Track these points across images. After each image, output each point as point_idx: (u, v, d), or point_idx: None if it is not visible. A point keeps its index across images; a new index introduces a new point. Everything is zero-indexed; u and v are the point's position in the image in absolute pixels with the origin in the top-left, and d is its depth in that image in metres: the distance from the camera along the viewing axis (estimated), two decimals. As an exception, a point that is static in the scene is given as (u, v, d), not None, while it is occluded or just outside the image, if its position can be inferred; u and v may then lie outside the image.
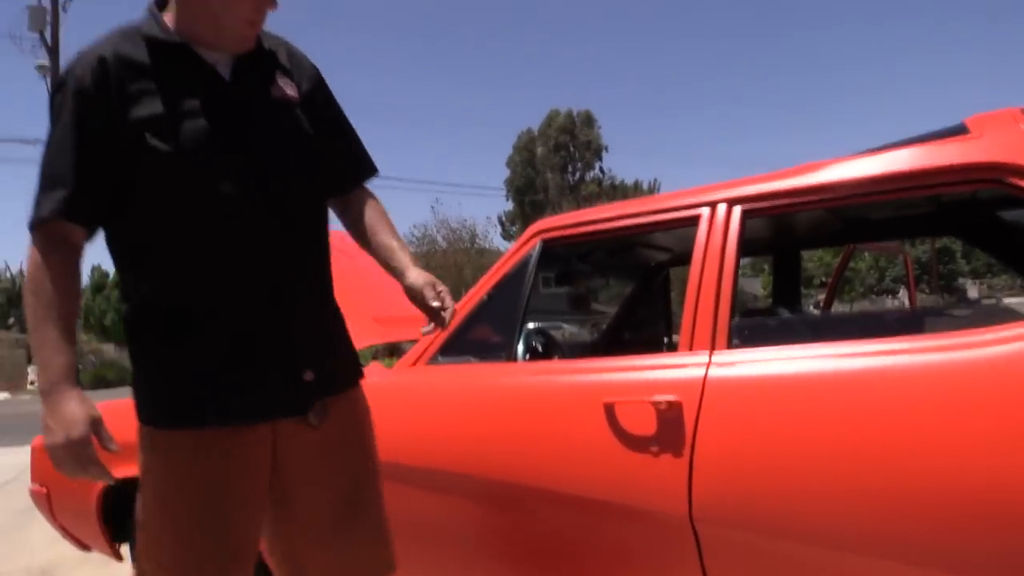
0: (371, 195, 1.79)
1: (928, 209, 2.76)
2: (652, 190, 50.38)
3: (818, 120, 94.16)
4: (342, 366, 1.66)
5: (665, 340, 3.78)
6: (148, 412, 1.52)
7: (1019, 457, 1.43)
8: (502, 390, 2.13)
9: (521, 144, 53.24)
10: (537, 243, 2.29)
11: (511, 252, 2.34)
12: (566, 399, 1.98)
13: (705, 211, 2.02)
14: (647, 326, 3.87)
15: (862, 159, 1.90)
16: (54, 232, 1.44)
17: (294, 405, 1.53)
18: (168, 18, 1.53)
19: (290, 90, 1.61)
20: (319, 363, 1.55)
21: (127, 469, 2.72)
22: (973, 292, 49.16)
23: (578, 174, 52.77)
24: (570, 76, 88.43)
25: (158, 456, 1.50)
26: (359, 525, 1.62)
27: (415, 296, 1.64)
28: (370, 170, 1.80)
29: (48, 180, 1.44)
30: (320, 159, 1.64)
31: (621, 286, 4.33)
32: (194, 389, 1.48)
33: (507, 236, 50.07)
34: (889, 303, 42.84)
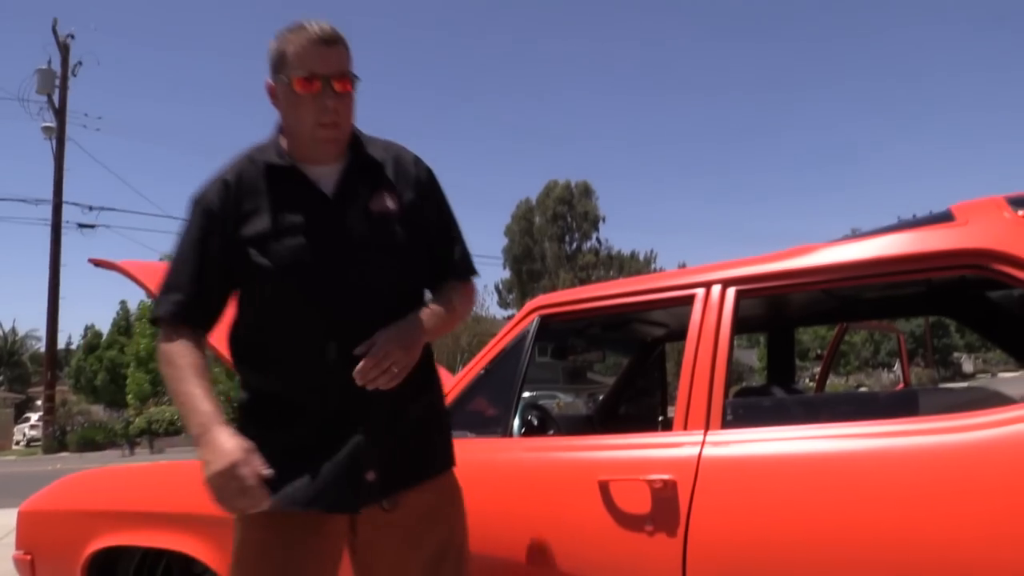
0: (454, 288, 1.80)
1: (918, 291, 2.81)
2: (648, 260, 50.75)
3: (810, 186, 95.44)
4: (420, 462, 1.70)
5: (660, 416, 3.79)
6: None
7: (1009, 539, 1.44)
8: (497, 466, 2.13)
9: (519, 213, 53.82)
10: (535, 319, 2.32)
11: (509, 327, 2.37)
12: (561, 476, 1.99)
13: (700, 291, 2.06)
14: (642, 401, 3.88)
15: (853, 243, 1.95)
16: (176, 332, 1.63)
17: (353, 502, 1.60)
18: (284, 141, 1.69)
19: (391, 203, 1.69)
20: (386, 465, 1.62)
21: (111, 538, 2.73)
22: (968, 366, 49.19)
23: (575, 244, 53.24)
24: (569, 148, 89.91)
25: (240, 527, 1.64)
26: None
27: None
28: (459, 273, 1.82)
29: (168, 284, 1.66)
30: (415, 268, 1.73)
31: (617, 358, 4.35)
32: (279, 484, 1.55)
33: (504, 304, 50.27)
34: (884, 376, 42.77)
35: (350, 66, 1.63)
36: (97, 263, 3.01)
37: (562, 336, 3.33)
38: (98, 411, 28.95)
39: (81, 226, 22.50)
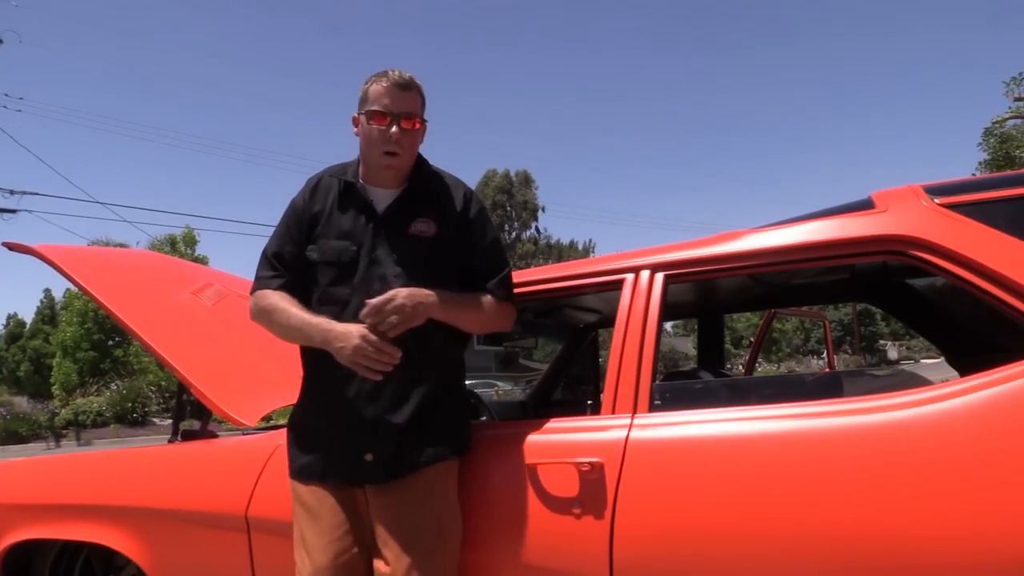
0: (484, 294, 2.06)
1: (842, 277, 2.88)
2: (588, 250, 51.11)
3: (751, 179, 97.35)
4: (425, 447, 1.91)
5: (591, 401, 3.82)
6: (289, 464, 2.02)
7: (926, 513, 1.49)
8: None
9: (458, 202, 53.42)
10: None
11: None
12: (491, 461, 1.98)
13: (629, 276, 2.07)
14: (575, 387, 3.91)
15: (776, 230, 1.99)
16: (256, 298, 2.04)
17: (354, 477, 1.90)
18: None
19: (426, 227, 1.98)
20: (381, 449, 1.89)
21: (27, 532, 2.64)
22: (893, 353, 50.82)
23: (515, 233, 53.25)
24: (508, 137, 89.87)
25: (293, 492, 1.99)
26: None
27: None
28: (499, 296, 2.06)
29: (260, 264, 2.08)
30: (439, 287, 1.93)
31: (553, 345, 4.37)
32: (302, 455, 1.98)
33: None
34: (814, 363, 43.94)
35: (419, 110, 1.99)
36: (12, 247, 2.89)
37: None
38: (21, 402, 27.90)
39: (1, 211, 21.60)
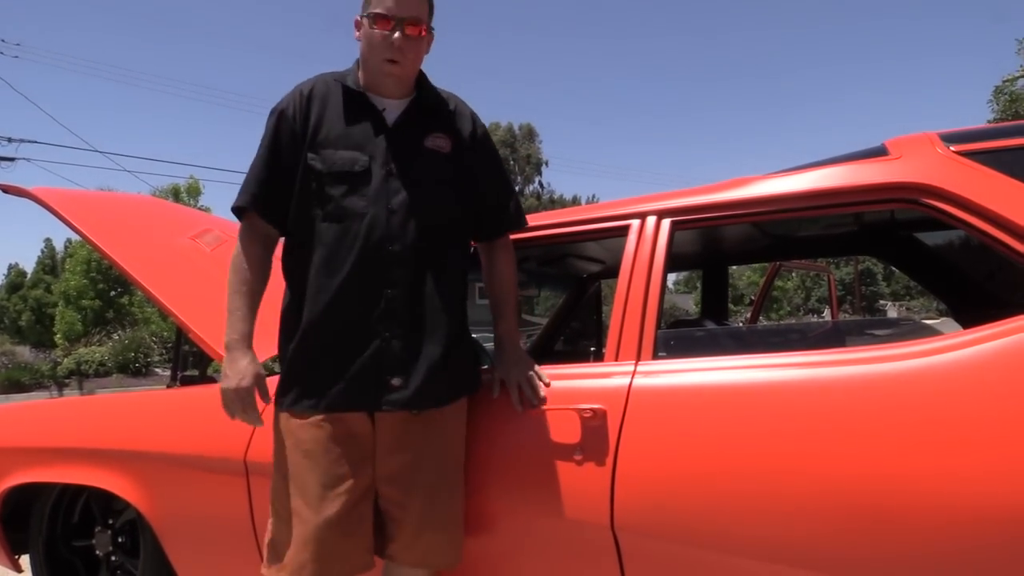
0: (510, 249, 2.08)
1: (849, 229, 2.84)
2: (591, 204, 50.86)
3: (766, 131, 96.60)
4: (439, 387, 1.83)
5: (594, 350, 3.81)
6: (280, 398, 1.87)
7: (929, 461, 1.48)
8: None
9: (460, 155, 53.16)
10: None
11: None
12: (492, 406, 1.97)
13: (635, 223, 2.03)
14: (577, 337, 3.89)
15: (786, 176, 1.94)
16: (253, 224, 1.90)
17: (374, 404, 1.79)
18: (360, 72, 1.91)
19: (443, 143, 1.90)
20: (410, 375, 1.79)
21: (26, 475, 2.64)
22: (893, 313, 50.93)
23: (518, 187, 53.02)
24: (511, 90, 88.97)
25: (280, 431, 1.86)
26: (430, 518, 1.82)
27: (504, 372, 1.93)
28: (514, 223, 2.05)
29: (247, 178, 1.88)
30: (458, 206, 1.92)
31: (555, 299, 4.35)
32: (310, 384, 1.81)
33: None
34: (815, 321, 44.05)
35: (427, 17, 1.86)
36: (6, 189, 2.85)
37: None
38: (23, 352, 28.03)
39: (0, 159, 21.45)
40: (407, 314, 1.80)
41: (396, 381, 1.77)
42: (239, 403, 1.80)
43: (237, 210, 1.90)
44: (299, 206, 1.85)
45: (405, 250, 1.79)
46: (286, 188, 1.85)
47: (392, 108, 1.88)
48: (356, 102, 1.87)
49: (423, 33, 1.85)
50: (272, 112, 1.90)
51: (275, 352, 1.97)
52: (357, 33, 1.89)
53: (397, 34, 1.80)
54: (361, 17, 1.86)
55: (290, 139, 1.85)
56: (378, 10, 1.80)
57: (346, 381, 1.78)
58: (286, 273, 1.91)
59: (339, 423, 1.80)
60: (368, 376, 1.78)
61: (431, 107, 1.93)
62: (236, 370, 1.80)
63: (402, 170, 1.83)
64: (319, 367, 1.80)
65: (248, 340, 1.84)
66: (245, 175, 1.90)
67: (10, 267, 43.97)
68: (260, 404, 1.84)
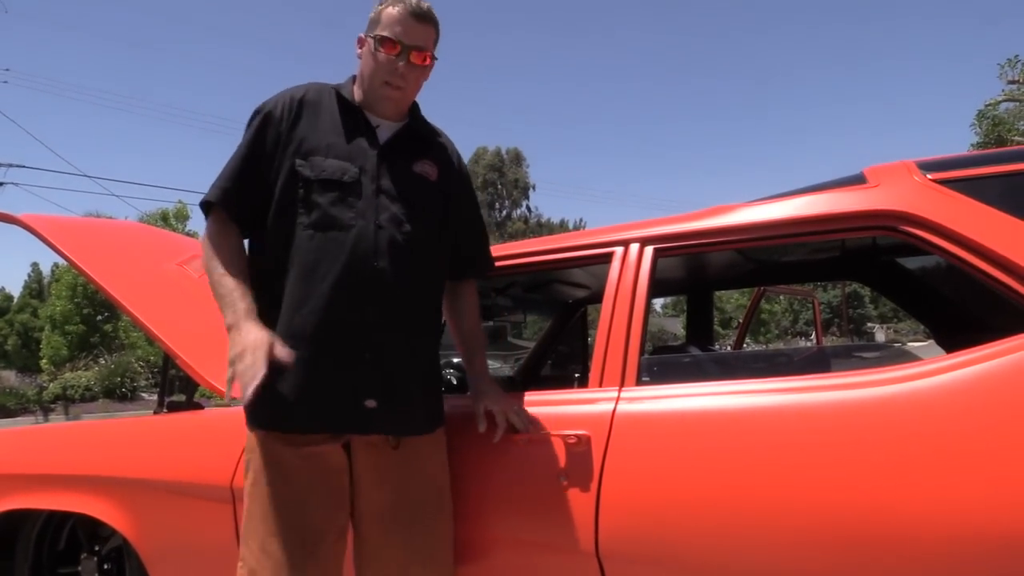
0: (475, 288, 2.10)
1: (832, 255, 2.88)
2: (578, 228, 51.06)
3: (744, 160, 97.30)
4: (412, 411, 1.80)
5: (578, 375, 3.82)
6: (248, 415, 1.77)
7: (911, 488, 1.49)
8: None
9: (449, 179, 53.26)
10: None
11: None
12: (477, 432, 1.97)
13: (618, 250, 2.06)
14: (563, 362, 3.90)
15: (765, 204, 1.97)
16: (220, 219, 1.82)
17: (350, 425, 1.73)
18: (355, 87, 1.90)
19: (431, 170, 1.89)
20: (387, 397, 1.73)
21: (13, 501, 2.62)
22: (880, 336, 51.13)
23: (505, 211, 53.18)
24: (499, 114, 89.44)
25: (256, 454, 1.76)
26: (418, 555, 1.77)
27: (492, 404, 1.89)
28: (485, 269, 2.10)
29: (221, 174, 1.82)
30: (438, 236, 1.89)
31: (542, 323, 4.37)
32: (283, 399, 1.70)
33: (432, 270, 49.78)
34: (803, 344, 44.17)
35: (432, 45, 1.85)
36: (-5, 216, 2.85)
37: (484, 295, 3.31)
38: (9, 376, 27.77)
39: (-12, 183, 21.36)
40: (387, 334, 1.74)
41: (371, 403, 1.71)
42: (249, 362, 1.59)
43: (206, 204, 1.83)
44: (279, 212, 1.77)
45: (390, 268, 1.74)
46: (259, 190, 1.79)
47: (385, 128, 1.87)
48: (351, 115, 1.85)
49: (428, 61, 1.85)
50: (257, 112, 1.85)
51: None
52: (359, 50, 1.87)
53: (402, 62, 1.80)
54: (366, 36, 1.85)
55: (273, 141, 1.80)
56: (386, 34, 1.79)
57: (319, 400, 1.70)
58: (256, 278, 1.80)
59: (317, 459, 1.73)
60: (343, 396, 1.71)
61: (422, 135, 1.93)
62: (247, 340, 1.63)
63: (391, 188, 1.80)
64: (293, 381, 1.69)
65: (254, 314, 1.69)
66: (222, 169, 1.84)
67: (-4, 291, 43.64)
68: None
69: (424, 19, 1.82)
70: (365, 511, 1.77)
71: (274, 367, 1.63)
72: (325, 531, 1.72)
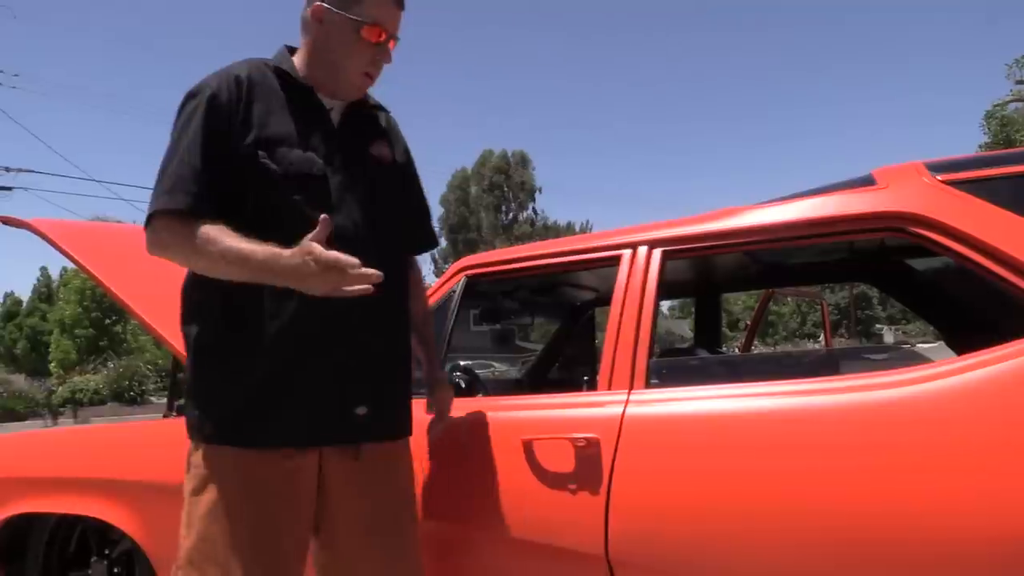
0: (418, 267, 2.02)
1: (841, 256, 2.87)
2: (584, 231, 51.06)
3: (751, 163, 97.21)
4: (405, 418, 1.79)
5: (587, 379, 3.82)
6: (211, 430, 1.61)
7: (921, 491, 1.49)
8: (421, 426, 2.11)
9: (455, 183, 53.42)
10: (462, 279, 2.30)
11: (435, 287, 2.35)
12: (485, 435, 1.97)
13: (626, 252, 2.06)
14: (571, 365, 3.90)
15: (775, 206, 1.97)
16: (172, 223, 1.54)
17: (344, 435, 1.65)
18: (296, 61, 1.71)
19: (385, 152, 1.79)
20: (376, 402, 1.67)
21: (23, 505, 2.63)
22: (889, 337, 50.89)
23: (512, 214, 53.13)
24: (504, 117, 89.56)
25: (218, 473, 1.59)
26: (393, 565, 1.70)
27: (436, 399, 1.92)
28: (433, 244, 2.01)
29: (176, 176, 1.54)
30: (399, 223, 1.81)
31: (550, 324, 4.37)
32: (261, 411, 1.58)
33: (439, 274, 49.88)
34: (811, 347, 44.04)
35: None
36: (6, 221, 2.87)
37: (491, 298, 3.31)
38: (19, 380, 27.86)
39: (-3, 188, 21.51)
40: (371, 336, 1.66)
41: (361, 410, 1.64)
42: (317, 268, 1.42)
43: (170, 213, 1.53)
44: (244, 211, 1.56)
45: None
46: (222, 185, 1.56)
47: (336, 109, 1.74)
48: (301, 96, 1.67)
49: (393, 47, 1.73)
50: (194, 95, 1.60)
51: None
52: (315, 23, 1.67)
53: (383, 51, 1.69)
54: (337, 11, 1.65)
55: (226, 128, 1.56)
56: (371, 21, 1.65)
57: (306, 409, 1.59)
58: (210, 287, 1.58)
59: (295, 475, 1.60)
60: (332, 404, 1.61)
61: (369, 113, 1.82)
62: (295, 269, 1.44)
63: (356, 178, 1.68)
64: (274, 392, 1.57)
65: (275, 248, 1.47)
66: (167, 170, 1.56)
67: (6, 295, 43.88)
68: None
69: (402, 6, 1.71)
70: (342, 524, 1.67)
71: (253, 371, 1.56)
72: (291, 554, 1.61)
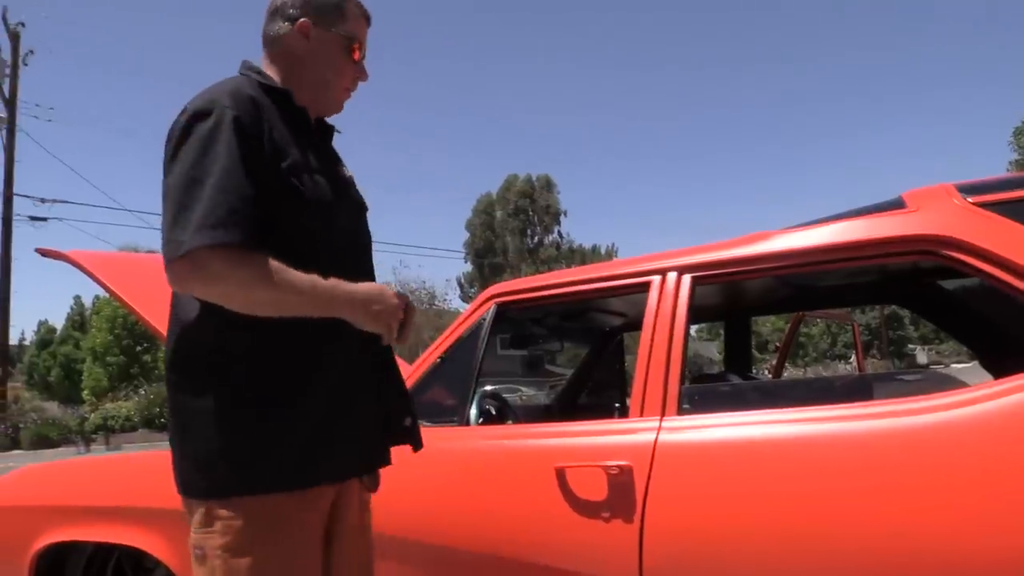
0: None
1: (872, 279, 2.85)
2: (610, 254, 51.01)
3: (777, 187, 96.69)
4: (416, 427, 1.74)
5: (618, 405, 3.81)
6: (250, 479, 1.43)
7: (958, 516, 1.47)
8: (453, 454, 2.11)
9: (480, 207, 53.71)
10: (491, 307, 2.31)
11: (465, 315, 2.36)
12: (517, 464, 1.98)
13: (656, 279, 2.06)
14: (601, 390, 3.89)
15: (806, 230, 1.96)
16: (231, 253, 1.36)
17: (382, 458, 1.65)
18: (273, 78, 1.63)
19: (348, 170, 1.77)
20: (413, 412, 1.69)
21: (60, 534, 2.66)
22: (922, 358, 50.18)
23: (537, 238, 53.26)
24: (529, 141, 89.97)
25: (253, 528, 1.42)
26: None
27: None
28: None
29: (222, 208, 1.35)
30: (370, 238, 1.78)
31: (578, 349, 4.37)
32: (306, 447, 1.47)
33: (465, 298, 50.16)
34: (841, 368, 43.50)
35: None
36: (45, 253, 2.94)
37: (520, 325, 3.32)
38: (52, 408, 28.25)
39: (33, 219, 21.96)
40: (386, 353, 1.65)
41: (407, 421, 1.68)
42: (391, 312, 1.50)
43: (226, 247, 1.35)
44: (278, 239, 1.44)
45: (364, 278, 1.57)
46: (264, 212, 1.43)
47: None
48: (296, 117, 1.61)
49: None
50: (204, 115, 1.43)
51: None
52: (302, 38, 1.61)
53: (363, 69, 1.70)
54: (325, 28, 1.62)
55: (259, 152, 1.45)
56: (358, 37, 1.66)
57: (362, 437, 1.57)
58: (242, 332, 1.44)
59: (323, 513, 1.54)
60: (376, 424, 1.61)
61: (328, 128, 1.76)
62: (370, 292, 1.49)
63: (351, 200, 1.70)
64: (330, 429, 1.50)
65: (348, 284, 1.47)
66: (198, 196, 1.36)
67: (40, 324, 44.56)
68: None
69: (370, 22, 1.73)
70: (355, 561, 1.64)
71: (304, 406, 1.47)
72: None
